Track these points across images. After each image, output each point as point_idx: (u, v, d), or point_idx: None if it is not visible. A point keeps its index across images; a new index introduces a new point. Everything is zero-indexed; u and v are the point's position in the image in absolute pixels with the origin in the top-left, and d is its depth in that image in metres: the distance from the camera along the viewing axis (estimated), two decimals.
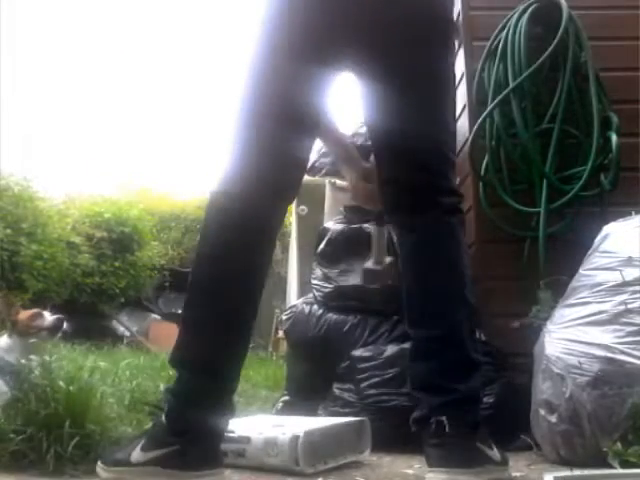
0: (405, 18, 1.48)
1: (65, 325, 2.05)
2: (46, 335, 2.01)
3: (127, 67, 13.88)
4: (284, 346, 4.18)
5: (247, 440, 1.68)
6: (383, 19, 1.47)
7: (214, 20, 16.13)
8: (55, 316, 2.05)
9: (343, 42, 1.49)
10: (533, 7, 2.39)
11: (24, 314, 2.02)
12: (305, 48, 1.47)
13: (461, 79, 2.63)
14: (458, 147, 2.69)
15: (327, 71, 1.52)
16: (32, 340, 1.96)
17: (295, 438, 1.61)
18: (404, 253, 1.59)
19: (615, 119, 2.26)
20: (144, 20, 12.18)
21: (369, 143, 2.37)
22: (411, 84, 1.50)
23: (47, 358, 1.78)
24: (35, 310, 2.06)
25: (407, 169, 1.52)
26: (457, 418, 1.40)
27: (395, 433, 1.80)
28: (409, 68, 1.50)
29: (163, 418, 1.45)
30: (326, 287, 2.46)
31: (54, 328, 2.03)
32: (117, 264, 6.37)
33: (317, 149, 3.52)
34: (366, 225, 2.31)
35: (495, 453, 1.44)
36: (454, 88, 1.62)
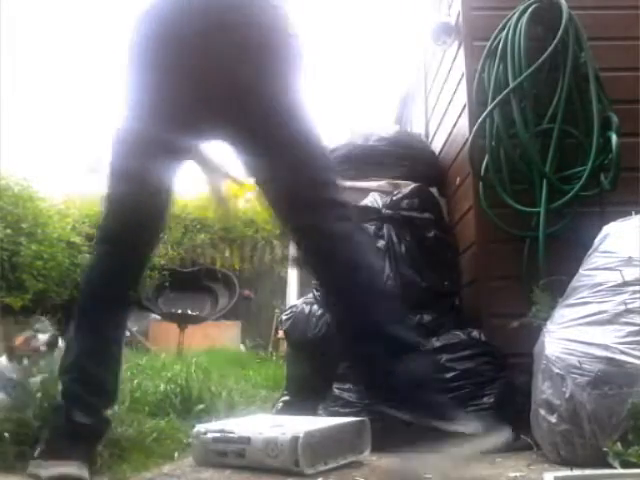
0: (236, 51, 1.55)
1: (60, 341, 2.07)
2: (44, 353, 2.03)
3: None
4: (284, 346, 4.17)
5: (247, 440, 1.68)
6: (216, 75, 1.55)
7: None
8: (48, 334, 2.08)
9: (200, 118, 1.59)
10: (533, 7, 2.39)
11: (18, 340, 2.05)
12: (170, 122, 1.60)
13: (461, 79, 2.63)
14: (458, 147, 2.70)
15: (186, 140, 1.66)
16: (31, 358, 1.98)
17: (295, 439, 1.61)
18: (310, 264, 1.68)
19: (615, 119, 2.25)
20: None
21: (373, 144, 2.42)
22: (271, 140, 1.58)
23: (47, 375, 1.79)
24: (27, 335, 2.08)
25: (295, 210, 1.61)
26: (406, 402, 1.47)
27: (395, 433, 1.79)
28: (263, 125, 1.58)
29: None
30: None
31: (49, 345, 2.05)
32: None
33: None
34: (366, 225, 2.31)
35: (461, 425, 1.41)
36: (308, 110, 1.64)
